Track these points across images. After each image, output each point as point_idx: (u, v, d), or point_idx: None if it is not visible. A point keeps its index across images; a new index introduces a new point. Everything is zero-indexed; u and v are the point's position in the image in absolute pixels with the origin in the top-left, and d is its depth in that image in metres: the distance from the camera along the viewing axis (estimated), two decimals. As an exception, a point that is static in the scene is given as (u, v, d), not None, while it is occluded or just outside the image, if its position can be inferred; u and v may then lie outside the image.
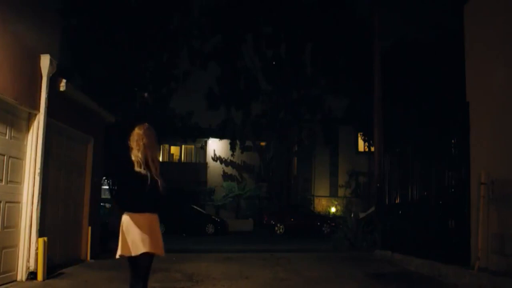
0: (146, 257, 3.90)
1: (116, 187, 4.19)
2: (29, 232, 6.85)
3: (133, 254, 3.86)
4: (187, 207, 22.39)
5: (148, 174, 3.92)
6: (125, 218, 3.99)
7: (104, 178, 21.37)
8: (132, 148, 3.98)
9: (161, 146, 33.26)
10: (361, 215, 15.37)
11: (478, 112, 7.34)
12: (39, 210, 6.98)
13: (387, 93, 13.73)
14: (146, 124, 4.10)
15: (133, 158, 3.94)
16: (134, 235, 3.88)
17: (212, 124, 29.80)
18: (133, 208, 3.96)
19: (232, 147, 29.38)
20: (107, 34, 18.00)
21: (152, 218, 3.99)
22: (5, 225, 6.44)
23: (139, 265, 3.95)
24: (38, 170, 6.99)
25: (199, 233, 20.50)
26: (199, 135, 29.66)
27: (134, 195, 3.96)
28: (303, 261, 9.82)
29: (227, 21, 24.90)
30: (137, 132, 4.01)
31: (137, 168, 3.90)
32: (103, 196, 16.00)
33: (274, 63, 27.07)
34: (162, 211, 4.03)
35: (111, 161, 16.89)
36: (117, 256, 4.02)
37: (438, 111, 13.37)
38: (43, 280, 6.83)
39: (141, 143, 3.96)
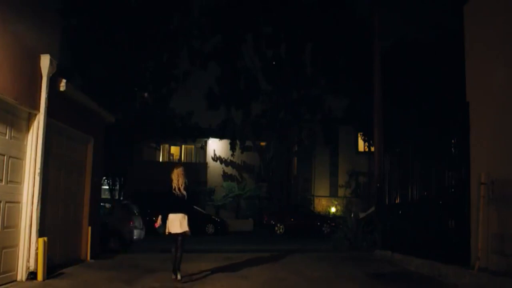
0: (181, 235, 7.30)
1: (166, 200, 7.48)
2: (29, 232, 6.85)
3: (173, 232, 7.27)
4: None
5: (179, 193, 7.40)
6: (171, 215, 7.28)
7: (104, 178, 21.45)
8: (172, 179, 7.44)
9: (161, 146, 33.30)
10: (361, 215, 15.35)
11: (478, 112, 7.33)
12: (39, 210, 6.98)
13: (387, 93, 13.71)
14: (182, 166, 7.70)
15: (173, 184, 7.40)
16: (175, 223, 7.26)
17: (212, 124, 29.82)
18: (174, 210, 7.30)
19: (232, 147, 29.36)
20: (107, 34, 18.03)
21: (183, 215, 7.33)
22: (5, 225, 6.44)
23: (178, 239, 7.31)
24: (38, 170, 6.99)
25: (199, 233, 20.51)
26: (199, 135, 29.66)
27: (174, 204, 7.34)
28: (303, 261, 9.82)
29: (227, 21, 24.88)
30: (177, 171, 7.48)
31: (174, 191, 7.38)
32: (103, 196, 16.00)
33: (274, 63, 27.04)
34: (186, 212, 7.40)
35: (111, 161, 16.95)
36: (166, 233, 7.33)
37: (438, 111, 13.37)
38: (43, 280, 6.83)
39: (179, 179, 7.43)
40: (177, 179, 7.42)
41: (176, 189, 7.40)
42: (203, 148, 33.89)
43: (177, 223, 7.24)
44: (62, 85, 7.80)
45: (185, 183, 7.45)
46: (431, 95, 15.92)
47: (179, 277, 7.21)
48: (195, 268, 8.37)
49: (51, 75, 7.32)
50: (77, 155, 9.17)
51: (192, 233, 8.02)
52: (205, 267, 8.68)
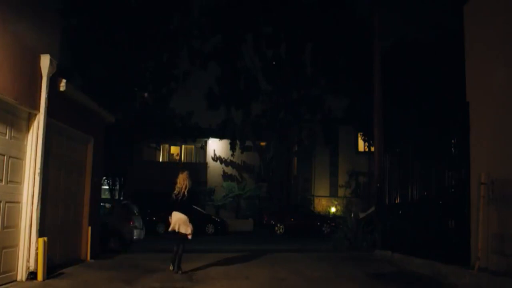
0: (182, 234, 8.01)
1: (170, 202, 8.24)
2: (29, 232, 6.85)
3: (177, 230, 7.99)
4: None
5: (182, 196, 8.08)
6: (174, 214, 8.01)
7: (104, 178, 21.44)
8: (177, 182, 8.14)
9: (161, 146, 33.30)
10: (361, 215, 15.35)
11: (478, 112, 7.34)
12: (39, 210, 6.97)
13: (387, 93, 13.70)
14: (187, 171, 8.34)
15: (177, 186, 8.10)
16: (178, 222, 7.96)
17: (212, 124, 29.81)
18: (176, 210, 8.05)
19: (232, 147, 29.37)
20: (107, 34, 18.02)
21: (184, 216, 8.04)
22: (5, 225, 6.44)
23: (180, 236, 7.99)
24: (38, 170, 6.99)
25: (199, 233, 20.47)
26: (199, 135, 29.66)
27: (177, 205, 8.07)
28: (303, 261, 9.82)
29: (227, 21, 24.88)
30: (183, 176, 8.20)
31: (174, 193, 8.10)
32: (103, 196, 16.00)
33: (274, 63, 27.04)
34: (187, 213, 8.14)
35: (111, 161, 16.95)
36: (169, 230, 8.16)
37: (438, 111, 13.37)
38: (43, 280, 6.83)
39: (185, 182, 8.12)
40: (182, 183, 8.18)
41: (180, 192, 8.11)
42: (203, 148, 33.88)
43: (179, 222, 7.97)
44: (62, 85, 7.79)
45: (189, 186, 8.18)
46: (431, 95, 15.91)
47: (179, 272, 7.77)
48: (195, 268, 8.37)
49: (51, 75, 7.31)
50: (77, 155, 9.17)
51: (184, 236, 8.17)
52: (205, 267, 8.69)
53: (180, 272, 7.80)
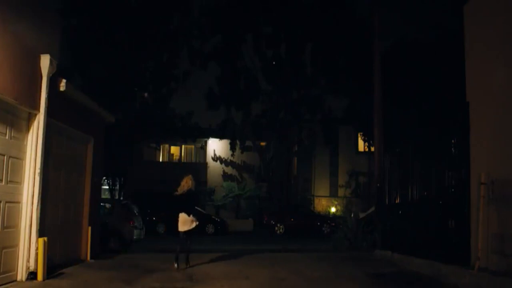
0: (189, 231, 8.60)
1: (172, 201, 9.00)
2: (29, 232, 6.85)
3: (185, 229, 8.55)
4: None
5: (184, 196, 8.72)
6: (181, 214, 8.58)
7: (104, 178, 21.44)
8: (181, 184, 8.75)
9: (161, 146, 33.31)
10: (361, 215, 15.35)
11: (478, 112, 7.34)
12: (39, 210, 6.97)
13: (387, 93, 13.70)
14: (191, 175, 8.95)
15: (181, 187, 8.73)
16: (185, 221, 8.55)
17: (212, 124, 29.83)
18: (183, 211, 8.64)
19: (232, 147, 29.38)
20: (107, 34, 18.02)
21: (191, 215, 8.64)
22: (5, 225, 6.44)
23: (185, 237, 8.61)
24: (38, 170, 6.99)
25: (199, 233, 20.49)
26: (199, 135, 29.67)
27: (181, 206, 8.70)
28: (303, 261, 9.82)
29: (227, 21, 24.89)
30: (187, 178, 8.80)
31: (180, 192, 8.73)
32: (103, 196, 16.00)
33: (274, 63, 27.05)
34: (191, 212, 8.71)
35: (111, 161, 16.96)
36: (180, 230, 8.59)
37: (438, 111, 13.36)
38: (43, 280, 6.83)
39: (188, 183, 8.75)
40: (184, 184, 8.79)
41: (182, 192, 8.74)
42: (203, 148, 33.89)
43: (183, 221, 8.54)
44: (62, 85, 7.80)
45: (191, 186, 8.87)
46: (431, 95, 15.90)
47: (188, 266, 8.44)
48: (195, 268, 8.38)
49: (51, 75, 7.31)
50: (77, 155, 9.17)
51: (192, 233, 8.26)
52: (205, 267, 8.69)
53: (187, 266, 8.43)
